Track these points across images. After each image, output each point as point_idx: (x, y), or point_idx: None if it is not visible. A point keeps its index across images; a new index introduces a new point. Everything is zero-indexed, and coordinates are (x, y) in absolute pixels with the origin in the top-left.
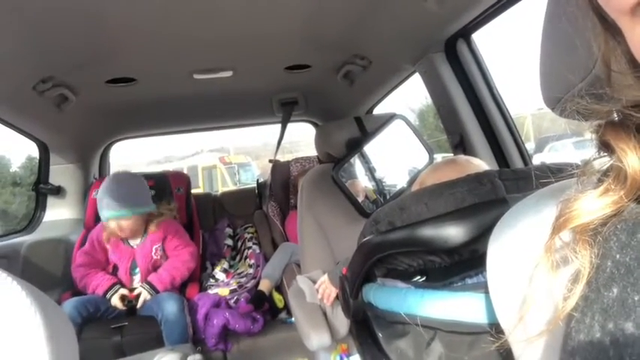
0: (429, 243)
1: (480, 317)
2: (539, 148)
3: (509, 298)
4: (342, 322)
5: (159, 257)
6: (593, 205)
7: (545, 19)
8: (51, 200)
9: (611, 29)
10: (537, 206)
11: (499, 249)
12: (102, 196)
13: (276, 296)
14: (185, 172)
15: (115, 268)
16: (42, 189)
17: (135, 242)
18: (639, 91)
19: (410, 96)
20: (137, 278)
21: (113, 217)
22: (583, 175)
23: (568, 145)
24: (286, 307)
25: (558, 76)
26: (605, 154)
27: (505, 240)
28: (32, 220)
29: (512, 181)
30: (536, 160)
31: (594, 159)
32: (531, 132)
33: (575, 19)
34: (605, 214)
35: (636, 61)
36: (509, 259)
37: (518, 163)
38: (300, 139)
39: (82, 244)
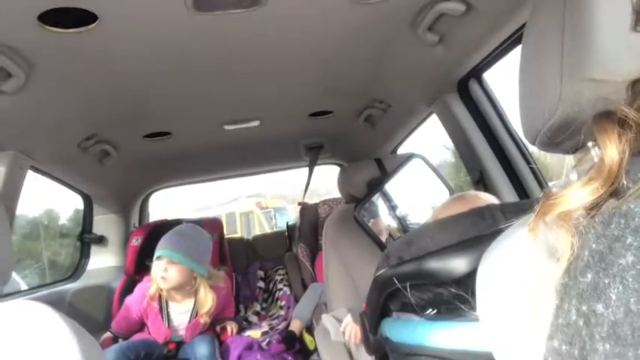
0: (436, 274)
1: (486, 345)
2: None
3: (496, 309)
4: None
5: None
6: (578, 193)
7: (522, 50)
8: (94, 249)
9: None
10: (522, 225)
11: (486, 268)
12: (163, 239)
13: (307, 337)
14: (223, 218)
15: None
16: (86, 238)
17: (178, 311)
18: None
19: (442, 134)
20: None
21: (164, 255)
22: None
23: None
24: (317, 349)
25: (535, 107)
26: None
27: (490, 259)
28: (77, 269)
29: (513, 213)
30: None
31: (585, 154)
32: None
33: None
34: (587, 202)
35: None
36: (494, 274)
37: (538, 195)
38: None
39: (123, 290)
